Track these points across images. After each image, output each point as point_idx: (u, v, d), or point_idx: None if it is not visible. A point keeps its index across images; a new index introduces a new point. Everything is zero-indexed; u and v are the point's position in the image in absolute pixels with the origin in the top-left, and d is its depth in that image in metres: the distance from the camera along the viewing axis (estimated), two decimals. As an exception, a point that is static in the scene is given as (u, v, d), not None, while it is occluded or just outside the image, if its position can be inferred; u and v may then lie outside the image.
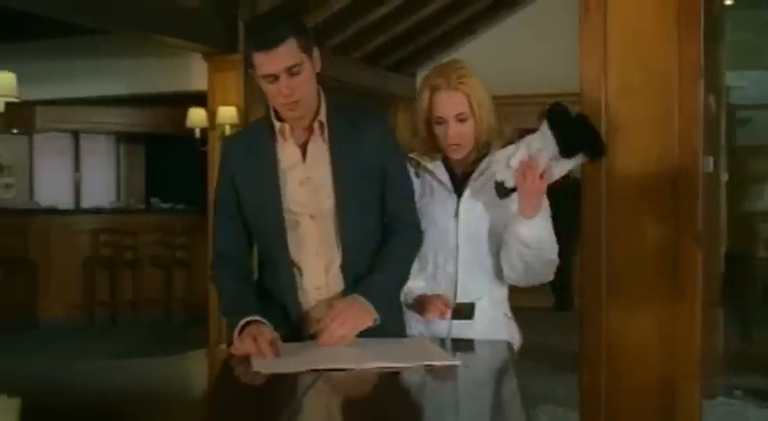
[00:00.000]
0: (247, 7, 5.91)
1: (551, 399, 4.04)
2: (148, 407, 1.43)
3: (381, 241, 1.84)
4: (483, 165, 1.91)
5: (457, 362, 1.54)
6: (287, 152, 1.83)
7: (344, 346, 1.65)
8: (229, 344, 1.69)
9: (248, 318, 1.67)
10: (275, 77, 1.71)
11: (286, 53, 1.69)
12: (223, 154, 1.93)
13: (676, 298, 2.52)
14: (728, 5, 4.80)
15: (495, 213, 1.90)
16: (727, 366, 4.60)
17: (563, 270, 2.96)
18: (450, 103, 1.89)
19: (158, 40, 5.55)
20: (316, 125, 1.82)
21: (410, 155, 1.95)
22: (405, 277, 1.85)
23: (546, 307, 6.33)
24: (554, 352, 2.38)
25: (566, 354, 2.74)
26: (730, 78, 6.38)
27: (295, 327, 1.84)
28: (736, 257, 5.02)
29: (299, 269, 1.83)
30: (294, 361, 1.55)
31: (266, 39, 1.69)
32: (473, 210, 1.91)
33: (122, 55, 6.97)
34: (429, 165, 1.94)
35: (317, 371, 1.49)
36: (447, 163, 1.95)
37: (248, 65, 1.75)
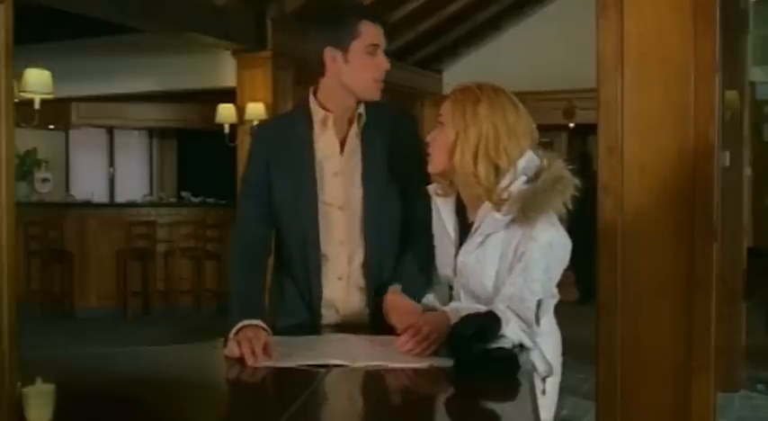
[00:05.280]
0: (275, 5, 6.01)
1: (576, 392, 4.07)
2: (178, 392, 1.49)
3: (402, 242, 1.85)
4: (477, 221, 1.71)
5: (449, 364, 1.50)
6: (324, 142, 1.85)
7: (343, 344, 1.68)
8: (227, 340, 1.66)
9: (246, 322, 1.65)
10: (377, 48, 1.81)
11: (384, 35, 1.84)
12: (257, 139, 1.95)
13: (692, 291, 2.54)
14: (755, 0, 4.75)
15: (490, 272, 1.70)
16: (750, 360, 4.58)
17: (587, 264, 2.96)
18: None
19: (189, 37, 5.66)
20: (355, 117, 1.86)
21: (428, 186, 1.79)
22: (425, 284, 1.83)
23: (571, 300, 6.36)
24: (579, 345, 2.40)
25: (590, 347, 2.77)
26: (757, 74, 6.29)
27: (314, 315, 1.89)
28: (759, 252, 4.98)
29: (324, 258, 1.86)
30: (289, 357, 1.57)
31: (379, 13, 1.84)
32: (467, 268, 1.73)
33: (154, 53, 7.10)
34: (439, 205, 1.79)
35: (310, 367, 1.51)
36: (460, 202, 1.78)
37: (346, 36, 1.80)
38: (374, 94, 1.85)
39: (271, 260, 1.95)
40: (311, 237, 1.85)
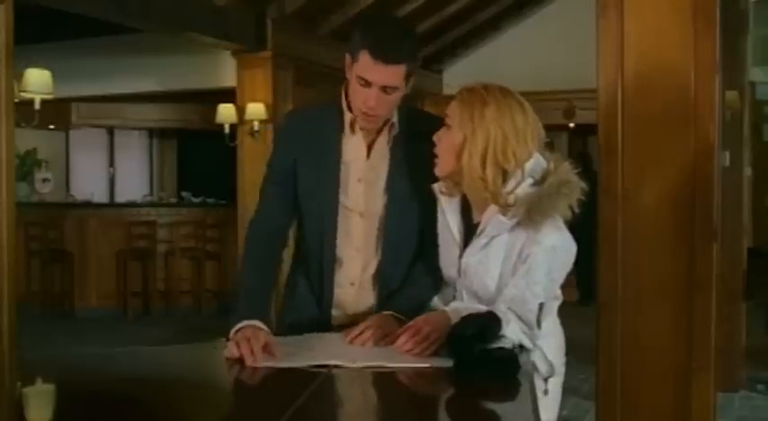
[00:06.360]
0: (275, 5, 6.01)
1: (576, 392, 4.07)
2: (178, 392, 1.49)
3: (417, 248, 1.84)
4: (482, 223, 1.71)
5: (449, 364, 1.50)
6: (351, 145, 1.81)
7: (343, 344, 1.68)
8: (227, 339, 1.65)
9: (245, 323, 1.64)
10: (368, 84, 1.69)
11: (393, 74, 1.68)
12: (286, 129, 1.90)
13: (692, 291, 2.54)
14: (755, 1, 4.76)
15: (494, 274, 1.71)
16: (750, 360, 4.59)
17: (588, 265, 2.95)
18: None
19: (189, 37, 5.66)
20: (387, 126, 1.81)
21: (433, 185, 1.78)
22: (435, 287, 1.83)
23: (571, 301, 6.37)
24: (579, 345, 2.40)
25: (591, 348, 2.78)
26: (757, 74, 6.28)
27: (323, 314, 1.88)
28: (759, 252, 4.99)
29: (339, 262, 1.85)
30: (290, 356, 1.57)
31: (386, 51, 1.66)
32: (470, 269, 1.73)
33: (154, 53, 7.10)
34: (444, 205, 1.77)
35: (310, 367, 1.50)
36: (465, 202, 1.77)
37: (352, 54, 1.71)
38: (361, 122, 1.78)
39: (287, 252, 1.92)
40: (328, 239, 1.83)
